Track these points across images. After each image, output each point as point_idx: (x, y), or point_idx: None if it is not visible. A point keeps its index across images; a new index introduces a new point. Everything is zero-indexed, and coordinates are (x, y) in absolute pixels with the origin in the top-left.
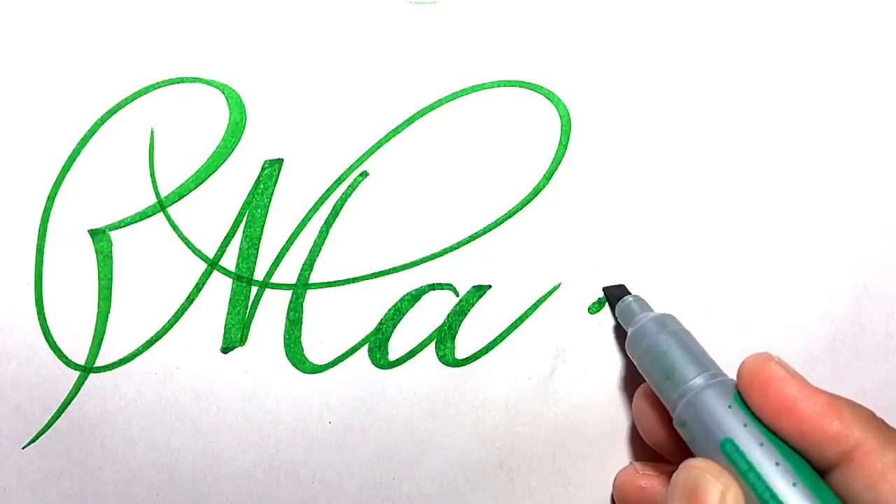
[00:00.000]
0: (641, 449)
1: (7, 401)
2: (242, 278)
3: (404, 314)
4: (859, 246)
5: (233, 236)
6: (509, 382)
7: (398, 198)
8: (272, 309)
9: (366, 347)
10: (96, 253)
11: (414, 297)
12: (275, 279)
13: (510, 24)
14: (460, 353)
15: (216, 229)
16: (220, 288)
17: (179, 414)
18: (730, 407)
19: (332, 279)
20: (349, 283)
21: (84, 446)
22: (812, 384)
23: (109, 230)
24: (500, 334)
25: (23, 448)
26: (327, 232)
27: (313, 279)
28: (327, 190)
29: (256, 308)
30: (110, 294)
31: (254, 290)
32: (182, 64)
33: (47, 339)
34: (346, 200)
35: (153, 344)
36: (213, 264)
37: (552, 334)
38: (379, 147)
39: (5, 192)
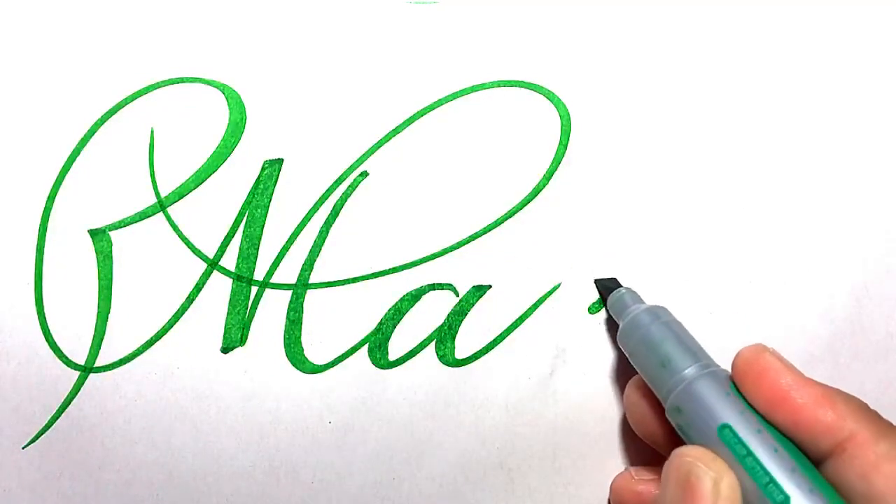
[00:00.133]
0: (641, 449)
1: (7, 401)
2: (242, 278)
3: (404, 314)
4: (859, 246)
5: (233, 236)
6: (509, 382)
7: (398, 198)
8: (272, 309)
9: (366, 347)
10: (96, 253)
11: (414, 297)
12: (275, 279)
13: (510, 24)
14: (460, 353)
15: (216, 229)
16: (220, 288)
17: (179, 414)
18: (727, 395)
19: (332, 279)
20: (349, 283)
21: (84, 446)
22: (806, 376)
23: (109, 230)
24: (500, 334)
25: (23, 448)
26: (327, 232)
27: (313, 279)
28: (327, 190)
29: (256, 308)
30: (110, 294)
31: (254, 290)
32: (182, 64)
33: (47, 339)
34: (346, 200)
35: (153, 344)
36: (213, 264)
37: (552, 334)
38: (379, 147)
39: (5, 192)
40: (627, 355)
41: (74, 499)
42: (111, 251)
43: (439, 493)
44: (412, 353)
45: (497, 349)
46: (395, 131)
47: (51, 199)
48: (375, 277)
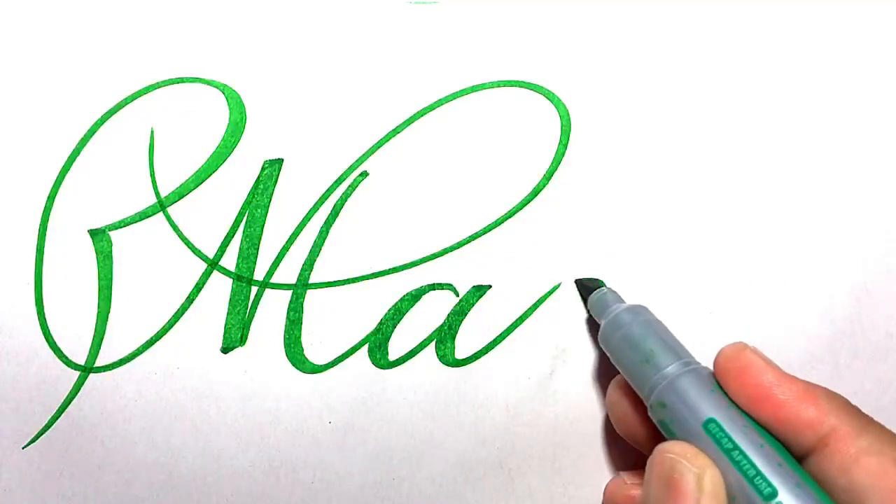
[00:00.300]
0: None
1: (7, 401)
2: (242, 278)
3: (404, 314)
4: (859, 246)
5: (233, 236)
6: (509, 382)
7: (398, 198)
8: (272, 309)
9: (366, 347)
10: (96, 253)
11: (414, 297)
12: (275, 279)
13: (510, 24)
14: (460, 353)
15: (216, 229)
16: (220, 288)
17: (179, 414)
18: (712, 391)
19: (332, 279)
20: (349, 283)
21: (84, 446)
22: (787, 373)
23: (109, 230)
24: (500, 334)
25: (23, 448)
26: (327, 232)
27: (313, 279)
28: (327, 190)
29: (256, 308)
30: (110, 294)
31: (254, 290)
32: (182, 64)
33: (47, 340)
34: (346, 200)
35: (153, 344)
36: (213, 264)
37: (552, 334)
38: (379, 147)
39: (5, 192)
40: (609, 354)
41: (74, 499)
42: (111, 251)
43: (439, 493)
44: (412, 353)
45: (497, 349)
46: (395, 131)
47: (51, 198)
48: (375, 277)
